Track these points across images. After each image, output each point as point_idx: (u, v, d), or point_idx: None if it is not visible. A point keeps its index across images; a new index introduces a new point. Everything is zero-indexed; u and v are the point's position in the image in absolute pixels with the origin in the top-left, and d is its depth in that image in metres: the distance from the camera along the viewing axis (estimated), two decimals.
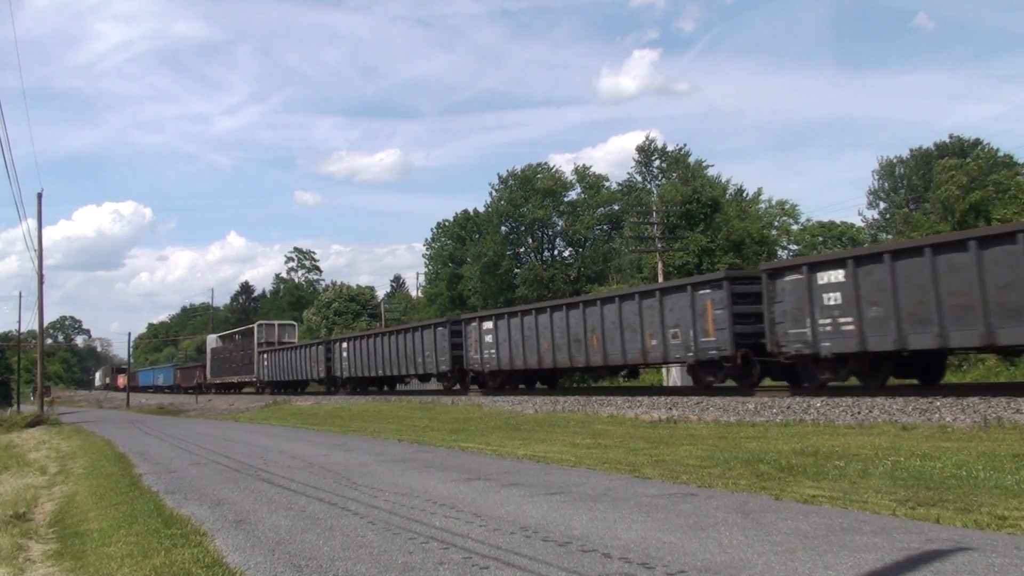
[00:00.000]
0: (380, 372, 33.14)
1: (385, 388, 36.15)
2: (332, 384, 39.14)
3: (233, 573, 5.33)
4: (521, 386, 26.28)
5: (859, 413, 13.38)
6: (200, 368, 64.19)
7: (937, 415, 12.27)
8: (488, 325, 25.56)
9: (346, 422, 22.03)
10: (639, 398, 19.15)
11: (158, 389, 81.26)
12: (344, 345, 37.21)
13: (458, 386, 28.65)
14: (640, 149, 59.88)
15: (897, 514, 6.13)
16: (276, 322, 56.17)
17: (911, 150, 64.33)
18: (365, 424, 20.57)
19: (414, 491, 8.36)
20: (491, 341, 25.22)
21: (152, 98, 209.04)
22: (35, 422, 31.29)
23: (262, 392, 48.05)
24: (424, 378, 32.10)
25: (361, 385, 36.88)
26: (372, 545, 5.87)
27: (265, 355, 47.66)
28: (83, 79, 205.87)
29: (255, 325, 52.64)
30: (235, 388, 56.95)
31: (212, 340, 62.60)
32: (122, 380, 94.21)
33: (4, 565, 6.36)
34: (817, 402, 14.64)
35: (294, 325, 56.63)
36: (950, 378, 23.54)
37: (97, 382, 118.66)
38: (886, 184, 65.87)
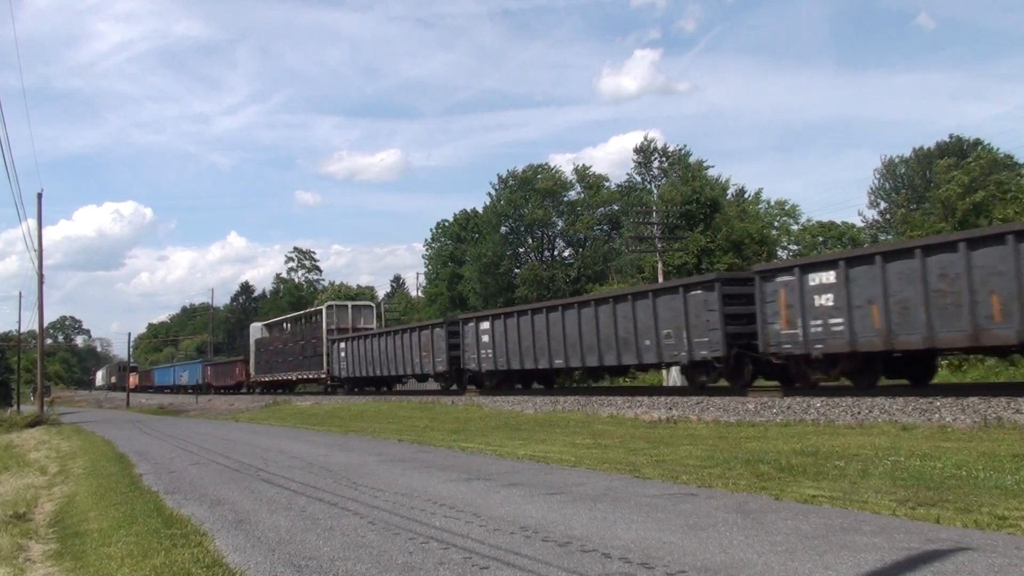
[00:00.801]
0: (559, 362, 22.58)
1: (534, 384, 26.54)
2: (455, 380, 28.52)
3: (233, 573, 5.33)
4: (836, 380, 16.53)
5: (859, 413, 13.38)
6: (241, 363, 54.71)
7: (937, 415, 12.27)
8: (825, 277, 15.40)
9: (346, 422, 22.04)
10: (639, 398, 19.15)
11: (178, 390, 71.15)
12: (484, 326, 25.83)
13: (721, 382, 18.70)
14: (638, 150, 59.88)
15: (897, 514, 6.13)
16: (349, 303, 45.03)
17: (914, 149, 64.34)
18: (365, 424, 20.57)
19: (414, 491, 8.36)
20: (830, 304, 15.13)
21: (152, 98, 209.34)
22: (35, 422, 31.31)
23: (332, 391, 39.72)
24: (618, 370, 22.49)
25: (508, 381, 26.16)
26: (372, 545, 5.87)
27: (342, 344, 37.17)
28: (83, 79, 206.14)
29: (323, 308, 41.69)
30: (287, 387, 47.67)
31: (256, 329, 53.13)
32: (133, 379, 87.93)
33: (4, 565, 6.36)
34: (817, 402, 14.64)
35: (371, 307, 44.99)
36: (950, 378, 23.60)
37: (99, 381, 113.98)
38: (887, 184, 65.86)
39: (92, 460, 15.35)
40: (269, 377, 48.49)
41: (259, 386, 51.33)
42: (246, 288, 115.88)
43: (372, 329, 39.12)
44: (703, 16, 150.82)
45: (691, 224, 46.60)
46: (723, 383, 18.66)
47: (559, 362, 22.62)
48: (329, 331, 39.63)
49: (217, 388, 59.51)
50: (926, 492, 6.93)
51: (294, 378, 44.65)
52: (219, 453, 14.72)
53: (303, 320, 45.86)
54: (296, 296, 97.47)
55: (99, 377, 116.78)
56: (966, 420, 11.71)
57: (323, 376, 40.00)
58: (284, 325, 50.20)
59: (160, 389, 79.50)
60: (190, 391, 64.86)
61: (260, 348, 50.87)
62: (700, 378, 19.01)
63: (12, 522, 8.37)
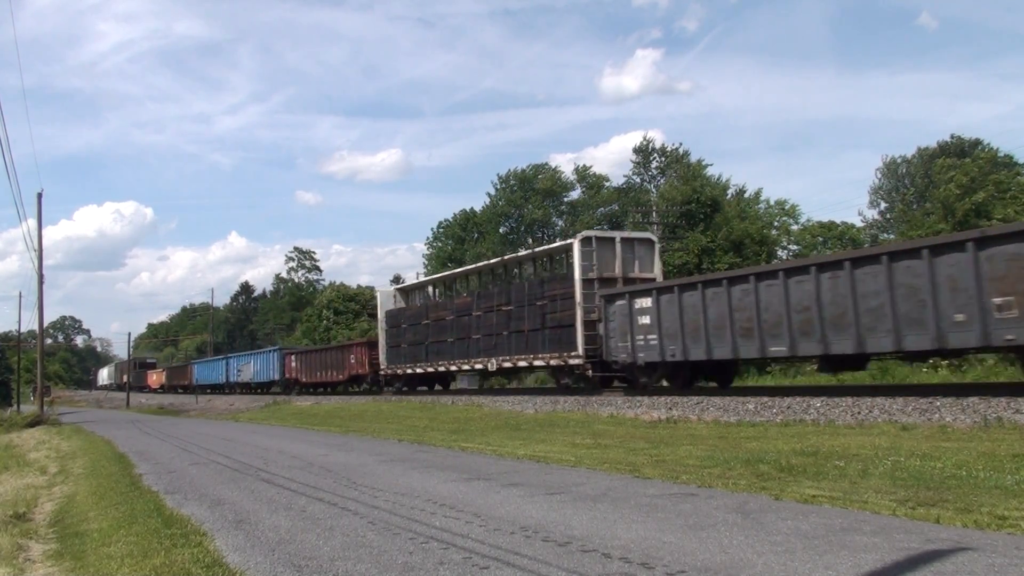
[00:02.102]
0: None
1: None
2: None
3: (233, 573, 5.33)
4: None
5: (859, 413, 13.39)
6: (361, 348, 38.17)
7: (937, 415, 12.28)
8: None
9: (346, 422, 22.04)
10: (639, 398, 19.15)
11: (236, 389, 54.58)
12: None
13: None
14: (637, 150, 59.89)
15: (897, 514, 6.13)
16: (618, 234, 24.97)
17: (919, 148, 64.27)
18: (365, 424, 20.57)
19: (414, 491, 8.36)
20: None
21: (153, 98, 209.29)
22: (35, 422, 31.29)
23: (588, 388, 23.50)
24: None
25: None
26: (372, 545, 5.87)
27: (642, 303, 20.34)
28: (84, 79, 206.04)
29: (575, 242, 23.51)
30: (441, 382, 34.13)
31: (387, 297, 36.44)
32: (156, 378, 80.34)
33: (4, 565, 6.36)
34: (817, 402, 14.64)
35: (652, 242, 25.15)
36: (950, 378, 23.63)
37: (104, 380, 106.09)
38: (886, 184, 65.83)
39: (92, 460, 15.35)
40: (421, 367, 31.94)
41: (397, 382, 34.27)
42: (246, 288, 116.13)
43: (653, 279, 23.24)
44: (705, 16, 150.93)
45: (691, 224, 46.61)
46: None
47: None
48: (586, 283, 22.88)
49: (311, 386, 43.82)
50: (926, 492, 6.93)
51: (490, 367, 27.19)
52: (219, 453, 14.72)
53: (522, 267, 29.12)
54: (296, 296, 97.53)
55: (103, 376, 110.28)
56: (966, 420, 11.71)
57: (577, 361, 22.87)
58: (448, 286, 33.72)
59: (201, 389, 61.86)
60: (257, 390, 49.81)
61: (395, 324, 34.33)
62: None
63: (12, 522, 8.37)
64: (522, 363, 25.85)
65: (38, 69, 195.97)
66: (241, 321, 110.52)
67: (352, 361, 38.81)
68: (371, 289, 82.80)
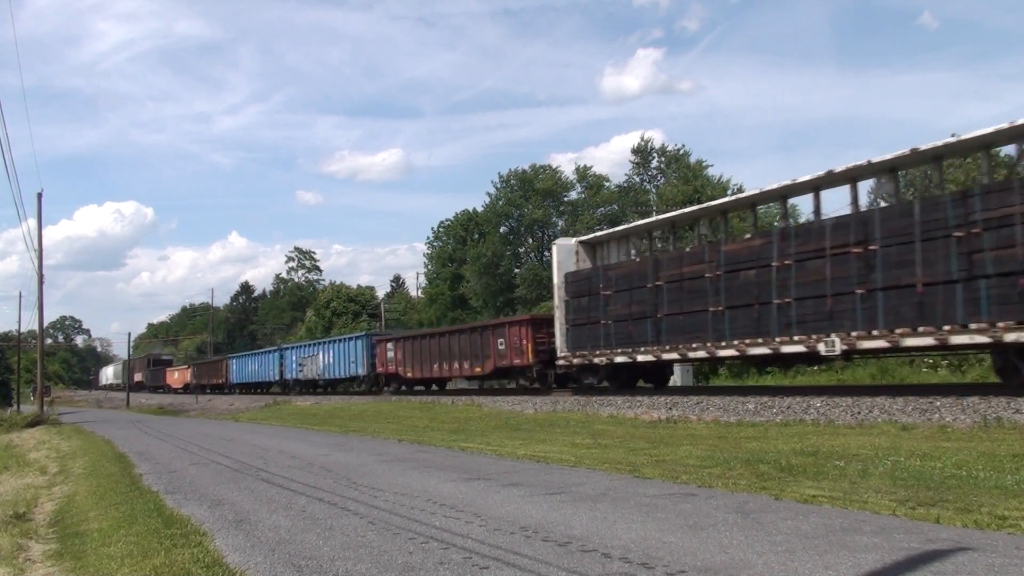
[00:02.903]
0: None
1: None
2: None
3: (233, 573, 5.33)
4: None
5: (859, 413, 13.39)
6: (519, 330, 25.99)
7: (937, 415, 12.28)
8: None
9: (346, 422, 22.04)
10: (639, 398, 19.15)
11: (276, 386, 46.60)
12: None
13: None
14: (636, 150, 59.88)
15: (897, 514, 6.13)
16: None
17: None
18: (365, 424, 20.58)
19: (414, 491, 8.36)
20: None
21: (153, 97, 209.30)
22: (35, 422, 31.29)
23: None
24: None
25: None
26: (372, 545, 5.87)
27: None
28: (84, 78, 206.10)
29: None
30: (648, 374, 23.21)
31: (566, 251, 24.66)
32: (179, 377, 71.40)
33: (4, 565, 6.36)
34: (817, 402, 14.64)
35: None
36: (949, 378, 23.62)
37: (108, 379, 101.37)
38: (887, 184, 65.84)
39: (92, 460, 15.35)
40: (647, 352, 20.48)
41: (589, 375, 23.23)
42: (246, 288, 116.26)
43: None
44: (706, 15, 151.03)
45: (691, 224, 46.55)
46: None
47: None
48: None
49: (420, 383, 34.26)
50: (926, 492, 6.93)
51: (823, 349, 15.77)
52: (219, 453, 14.72)
53: (871, 180, 19.90)
54: (297, 296, 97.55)
55: (108, 375, 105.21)
56: (966, 420, 11.72)
57: None
58: (684, 229, 23.31)
59: (241, 389, 52.11)
60: (322, 388, 41.18)
61: (586, 290, 23.25)
62: None
63: (12, 522, 8.37)
64: (909, 341, 14.49)
65: (38, 69, 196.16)
66: (241, 321, 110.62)
67: (501, 347, 26.87)
68: (371, 289, 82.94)
